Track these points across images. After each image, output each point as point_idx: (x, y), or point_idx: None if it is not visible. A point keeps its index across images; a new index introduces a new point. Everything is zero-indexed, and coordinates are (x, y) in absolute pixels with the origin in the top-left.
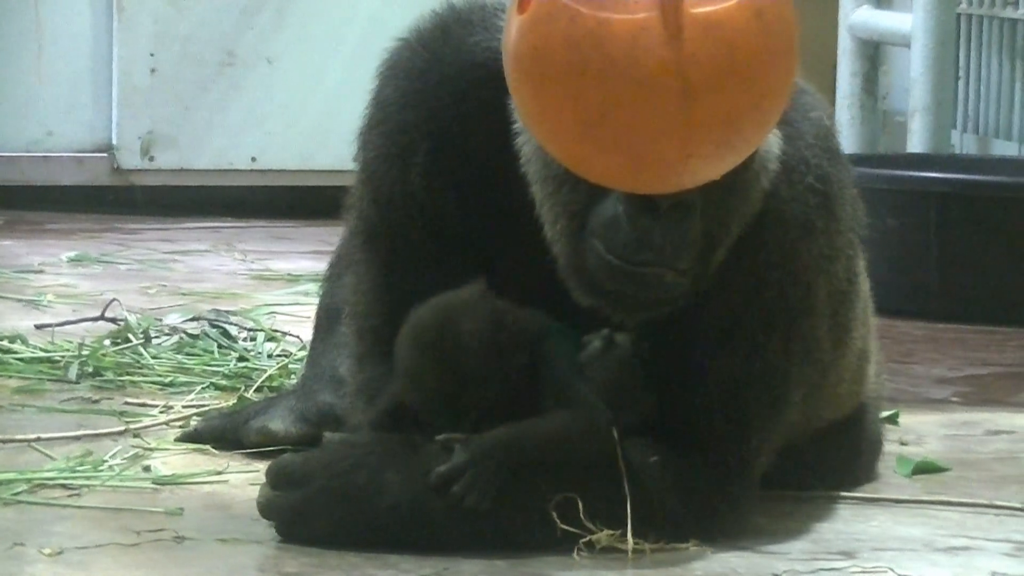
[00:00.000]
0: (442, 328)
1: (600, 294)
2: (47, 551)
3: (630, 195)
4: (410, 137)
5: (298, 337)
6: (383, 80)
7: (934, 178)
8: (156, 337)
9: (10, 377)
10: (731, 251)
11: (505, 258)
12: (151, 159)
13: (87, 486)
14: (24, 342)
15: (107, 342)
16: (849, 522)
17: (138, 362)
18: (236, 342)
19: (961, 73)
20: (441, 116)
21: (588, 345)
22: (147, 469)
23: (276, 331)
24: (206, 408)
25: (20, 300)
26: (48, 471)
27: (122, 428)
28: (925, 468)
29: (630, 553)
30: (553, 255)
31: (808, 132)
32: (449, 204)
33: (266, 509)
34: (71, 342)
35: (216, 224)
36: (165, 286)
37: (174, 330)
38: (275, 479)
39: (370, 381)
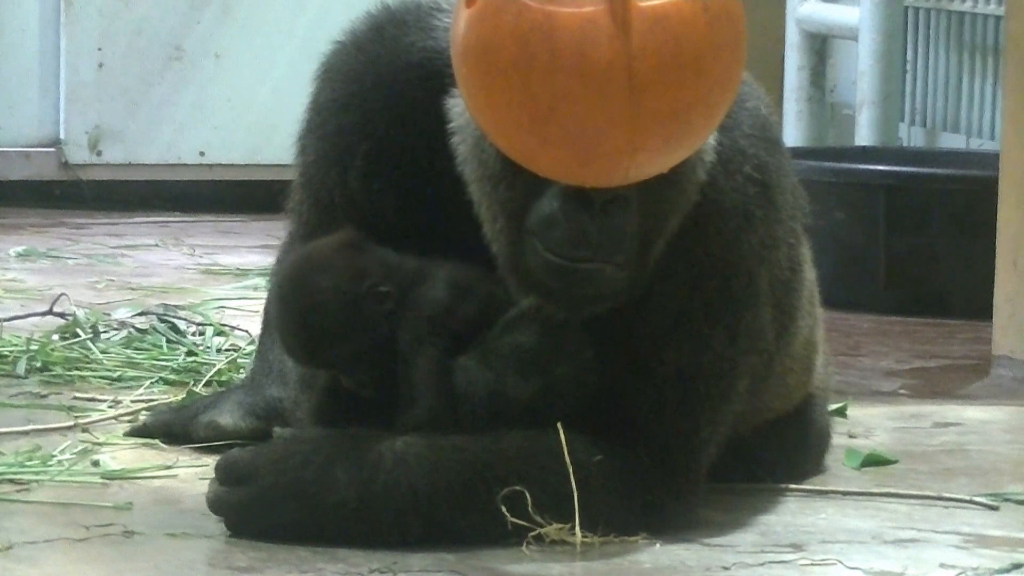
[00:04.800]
0: (299, 281)
1: (540, 291)
2: None
3: (566, 191)
4: (347, 140)
5: (247, 332)
6: (320, 83)
7: (882, 171)
8: (104, 332)
9: None
10: (672, 244)
11: (446, 258)
12: (99, 154)
13: (36, 481)
14: None
15: (55, 337)
16: (797, 515)
17: (87, 357)
18: (185, 337)
19: (908, 66)
20: (378, 118)
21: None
22: (96, 464)
23: (225, 325)
24: (155, 403)
25: None
26: None
27: (71, 423)
28: (873, 461)
29: (579, 546)
30: (493, 254)
31: (744, 122)
32: (388, 205)
33: (215, 504)
34: (19, 337)
35: (164, 218)
36: (113, 281)
37: (122, 325)
38: (224, 475)
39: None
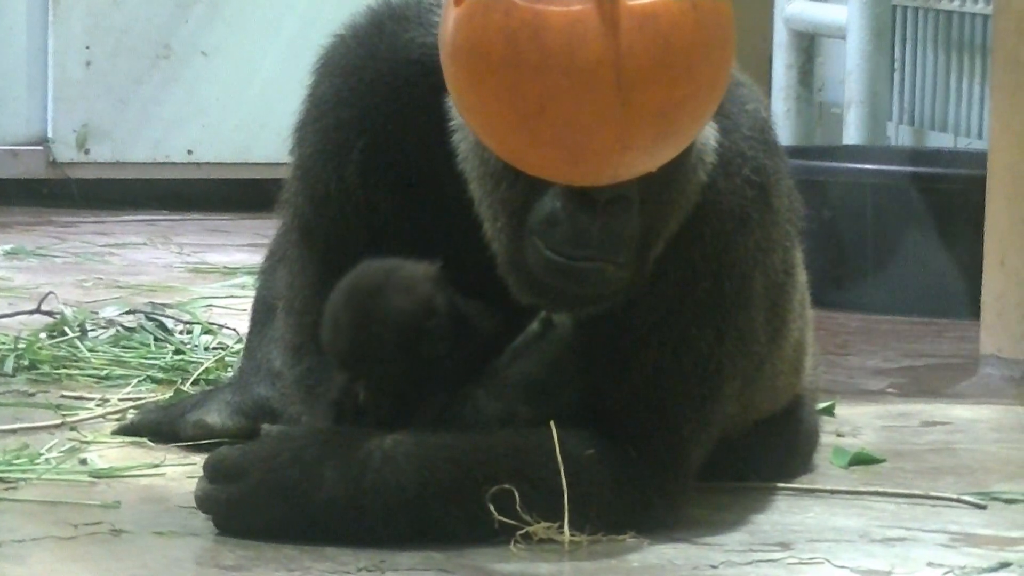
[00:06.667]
0: (375, 293)
1: (540, 291)
2: None
3: (568, 190)
4: (345, 134)
5: (234, 330)
6: (318, 77)
7: (870, 170)
8: (92, 330)
9: None
10: (669, 244)
11: (444, 256)
12: (87, 152)
13: (23, 479)
14: None
15: (43, 335)
16: (785, 513)
17: (74, 355)
18: (172, 335)
19: (896, 65)
20: (376, 113)
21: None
22: (84, 462)
23: (212, 324)
24: (143, 401)
25: None
26: None
27: (58, 421)
28: (861, 459)
29: (567, 545)
30: (492, 252)
31: (744, 124)
32: (386, 201)
33: (203, 502)
34: (7, 335)
35: (152, 217)
36: (101, 279)
37: (110, 323)
38: (212, 472)
39: (309, 371)
